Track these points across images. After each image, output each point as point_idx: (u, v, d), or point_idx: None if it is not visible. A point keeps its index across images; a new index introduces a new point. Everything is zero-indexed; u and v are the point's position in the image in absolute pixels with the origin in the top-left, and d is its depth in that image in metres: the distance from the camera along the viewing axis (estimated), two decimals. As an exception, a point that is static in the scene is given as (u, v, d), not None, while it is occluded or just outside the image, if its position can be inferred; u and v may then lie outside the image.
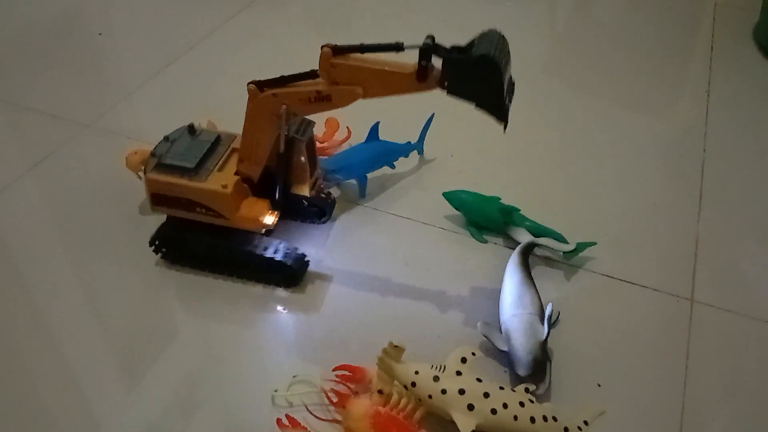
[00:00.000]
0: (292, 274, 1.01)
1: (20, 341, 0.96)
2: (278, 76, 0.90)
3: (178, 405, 0.89)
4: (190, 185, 0.97)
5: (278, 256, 1.00)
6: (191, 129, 1.04)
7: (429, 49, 0.82)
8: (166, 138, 1.03)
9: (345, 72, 0.86)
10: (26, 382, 0.91)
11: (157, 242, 1.05)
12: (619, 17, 1.80)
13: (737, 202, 1.21)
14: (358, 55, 0.86)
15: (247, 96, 0.92)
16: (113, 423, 0.87)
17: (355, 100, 0.88)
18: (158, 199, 1.01)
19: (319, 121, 1.30)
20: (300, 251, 1.02)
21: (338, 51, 0.85)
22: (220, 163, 1.00)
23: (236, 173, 0.99)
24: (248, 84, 0.91)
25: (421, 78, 0.83)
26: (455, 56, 0.82)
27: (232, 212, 0.98)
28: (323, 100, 0.89)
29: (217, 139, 1.03)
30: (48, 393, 0.90)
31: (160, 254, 1.06)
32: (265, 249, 1.00)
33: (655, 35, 1.71)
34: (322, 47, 0.85)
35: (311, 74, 0.89)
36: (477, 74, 0.82)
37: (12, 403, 0.89)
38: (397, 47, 0.83)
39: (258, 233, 1.02)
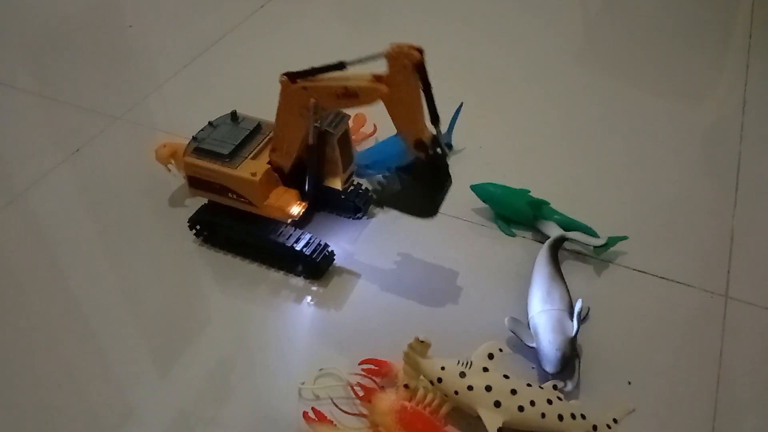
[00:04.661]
0: (314, 267, 1.02)
1: (56, 327, 0.99)
2: (309, 67, 0.90)
3: (209, 392, 0.90)
4: (223, 171, 1.00)
5: (300, 247, 1.00)
6: (234, 116, 1.06)
7: (438, 155, 0.91)
8: (210, 123, 1.06)
9: (401, 74, 0.84)
10: (62, 367, 0.93)
11: (195, 223, 1.08)
12: (653, 2, 1.76)
13: (775, 195, 1.17)
14: (420, 82, 0.85)
15: (278, 87, 0.93)
16: (147, 408, 0.89)
17: (379, 99, 0.88)
18: (195, 182, 1.04)
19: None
20: (327, 245, 1.03)
21: (419, 64, 0.83)
22: (255, 151, 1.02)
23: (268, 162, 1.00)
24: (281, 76, 0.92)
25: (416, 147, 0.90)
26: (425, 180, 0.93)
27: (260, 200, 1.00)
28: (350, 97, 0.89)
29: (257, 128, 1.04)
30: (83, 378, 0.92)
31: (194, 232, 1.09)
32: (292, 239, 1.01)
33: (691, 21, 1.67)
34: (417, 48, 0.83)
35: (338, 65, 0.89)
36: (420, 201, 0.95)
37: (49, 387, 0.91)
38: (436, 119, 0.88)
39: (286, 223, 1.02)
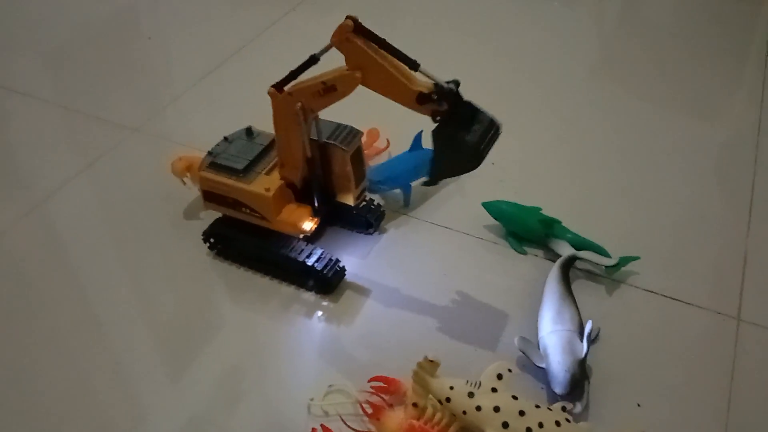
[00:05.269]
0: (325, 282, 1.03)
1: (72, 334, 1.00)
2: (287, 73, 0.92)
3: (218, 405, 0.91)
4: (237, 186, 1.01)
5: (312, 262, 1.01)
6: (249, 131, 1.08)
7: (446, 93, 0.84)
8: (225, 138, 1.07)
9: (354, 52, 0.86)
10: (76, 373, 0.95)
11: (209, 237, 1.10)
12: (669, 18, 1.75)
13: (790, 216, 1.17)
14: (374, 45, 0.86)
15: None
16: (158, 414, 0.90)
17: (357, 86, 0.88)
18: (209, 196, 1.05)
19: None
20: (338, 260, 1.03)
21: (360, 30, 0.85)
22: (269, 167, 1.03)
23: (281, 178, 1.01)
24: (269, 88, 0.93)
25: (421, 102, 0.85)
26: (452, 129, 0.86)
27: (273, 215, 1.01)
28: (331, 91, 0.90)
29: (271, 143, 1.06)
30: (96, 384, 0.94)
31: (208, 245, 1.10)
32: (304, 254, 1.02)
33: (707, 37, 1.66)
34: (347, 17, 0.85)
35: (311, 60, 0.90)
36: (457, 153, 0.87)
37: (63, 392, 0.92)
38: (413, 65, 0.85)
39: (298, 238, 1.04)
